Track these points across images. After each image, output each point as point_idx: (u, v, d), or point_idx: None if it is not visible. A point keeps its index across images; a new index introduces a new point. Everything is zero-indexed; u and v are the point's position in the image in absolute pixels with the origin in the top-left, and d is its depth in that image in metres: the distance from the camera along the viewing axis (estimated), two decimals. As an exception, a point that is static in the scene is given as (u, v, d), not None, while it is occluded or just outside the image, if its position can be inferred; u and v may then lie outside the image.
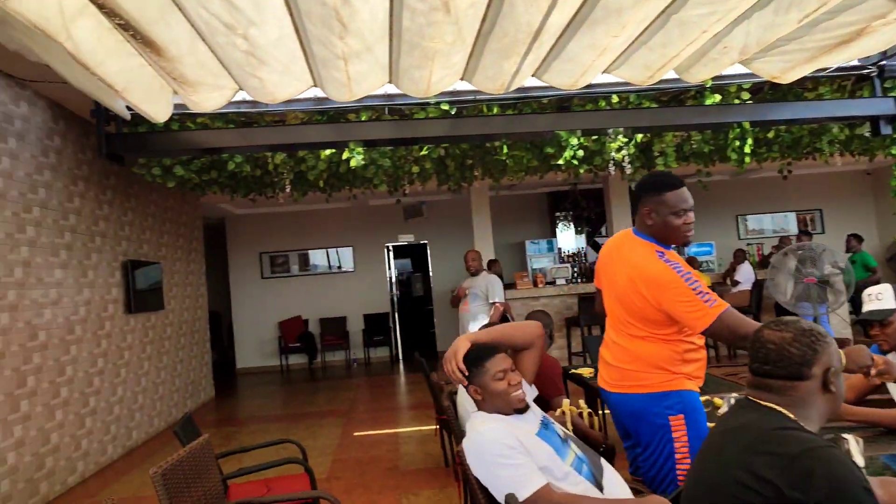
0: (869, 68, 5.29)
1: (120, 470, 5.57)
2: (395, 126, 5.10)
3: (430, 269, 11.77)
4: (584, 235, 11.66)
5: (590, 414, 2.95)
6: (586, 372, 4.41)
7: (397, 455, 5.38)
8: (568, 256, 11.40)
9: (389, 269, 11.73)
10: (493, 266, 8.38)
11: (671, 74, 5.17)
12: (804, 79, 5.32)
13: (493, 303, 6.29)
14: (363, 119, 5.15)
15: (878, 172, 11.62)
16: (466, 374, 2.08)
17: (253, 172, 5.81)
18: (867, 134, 5.70)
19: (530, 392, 2.25)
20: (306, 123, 5.14)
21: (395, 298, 11.84)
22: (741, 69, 5.25)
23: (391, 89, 5.16)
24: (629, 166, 5.45)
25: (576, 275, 10.12)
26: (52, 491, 4.79)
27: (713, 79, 5.25)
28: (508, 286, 8.67)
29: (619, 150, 5.37)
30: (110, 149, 4.77)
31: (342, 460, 5.35)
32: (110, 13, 2.59)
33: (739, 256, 9.27)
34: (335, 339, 11.10)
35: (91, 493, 4.97)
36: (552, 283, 9.42)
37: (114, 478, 5.34)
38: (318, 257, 11.59)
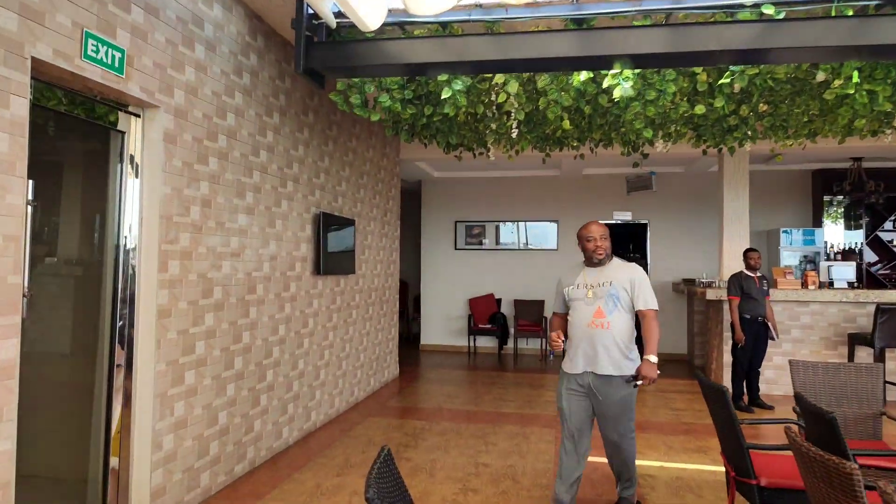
0: None
1: (295, 461, 4.66)
2: (680, 35, 3.44)
3: (649, 253, 9.88)
4: (862, 229, 9.00)
5: None
6: None
7: (644, 508, 3.82)
8: (837, 254, 8.87)
9: (598, 250, 10.04)
10: (749, 257, 6.39)
11: None
12: None
13: (646, 310, 3.43)
14: (638, 25, 3.56)
15: None
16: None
17: (474, 109, 4.49)
18: None
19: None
20: (548, 32, 3.67)
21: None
22: None
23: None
24: None
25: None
26: (215, 483, 3.92)
27: None
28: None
29: None
30: (308, 63, 3.68)
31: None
32: None
33: None
34: (530, 324, 9.71)
35: (258, 491, 4.05)
36: (829, 284, 7.13)
37: (286, 472, 4.41)
38: (517, 231, 10.24)
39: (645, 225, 9.83)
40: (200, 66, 3.74)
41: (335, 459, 4.72)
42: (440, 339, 10.33)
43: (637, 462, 4.70)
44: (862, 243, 9.02)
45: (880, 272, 9.01)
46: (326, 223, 5.49)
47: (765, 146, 6.36)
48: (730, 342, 6.57)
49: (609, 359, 3.34)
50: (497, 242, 10.26)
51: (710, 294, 7.09)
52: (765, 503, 2.79)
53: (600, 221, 3.53)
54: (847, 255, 8.91)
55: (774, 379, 7.02)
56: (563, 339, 3.43)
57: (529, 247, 10.18)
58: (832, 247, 9.06)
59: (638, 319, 3.44)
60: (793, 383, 3.66)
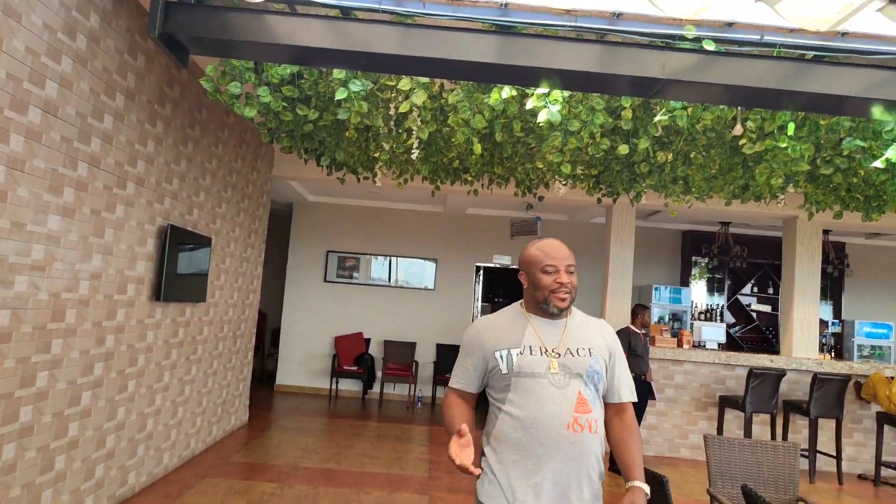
0: None
1: (97, 543, 3.57)
2: (615, 56, 3.05)
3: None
4: (724, 293, 9.35)
5: None
6: None
7: None
8: (701, 314, 9.12)
9: (476, 294, 9.64)
10: (639, 315, 6.22)
11: None
12: None
13: (628, 404, 2.10)
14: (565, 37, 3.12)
15: None
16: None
17: (371, 121, 3.82)
18: None
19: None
20: (468, 31, 3.13)
21: (477, 331, 9.71)
22: None
23: (625, 4, 3.16)
24: None
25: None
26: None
27: None
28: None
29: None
30: (167, 26, 2.84)
31: None
32: None
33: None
34: (400, 368, 9.00)
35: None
36: (700, 345, 7.16)
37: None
38: (393, 267, 9.58)
39: (524, 271, 9.58)
40: (9, 9, 2.76)
41: (155, 539, 3.68)
42: (299, 379, 9.30)
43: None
44: (723, 305, 9.36)
45: (738, 334, 9.38)
46: (176, 239, 4.50)
47: (655, 200, 6.28)
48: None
49: (592, 491, 1.91)
50: (370, 277, 9.52)
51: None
52: None
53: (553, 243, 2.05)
54: (708, 315, 9.19)
55: (647, 438, 6.86)
56: (471, 446, 1.83)
57: (404, 284, 9.55)
58: (696, 306, 9.32)
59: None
60: (707, 461, 3.28)
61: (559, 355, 1.94)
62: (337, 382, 9.16)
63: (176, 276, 4.57)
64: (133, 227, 4.01)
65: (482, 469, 1.96)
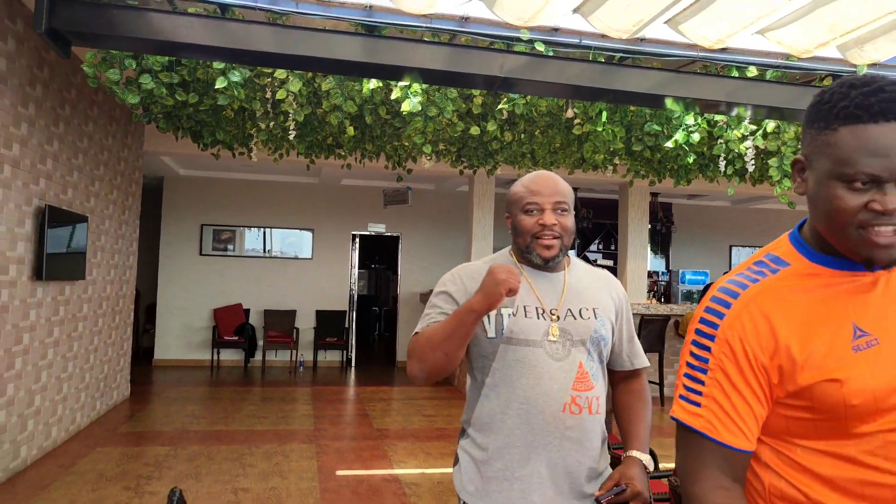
0: None
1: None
2: (462, 56, 3.66)
3: (399, 265, 10.25)
4: (574, 250, 10.51)
5: None
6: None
7: (414, 516, 3.89)
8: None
9: (353, 261, 10.11)
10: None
11: (829, 51, 4.05)
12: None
13: (641, 369, 1.76)
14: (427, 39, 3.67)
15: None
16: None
17: (249, 105, 4.16)
18: None
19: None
20: (337, 33, 3.59)
21: (355, 296, 10.23)
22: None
23: (472, 9, 3.74)
24: (752, 163, 4.24)
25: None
26: None
27: (869, 66, 4.17)
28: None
29: (742, 139, 4.16)
30: (52, 21, 3.04)
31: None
32: None
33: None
34: (281, 335, 9.34)
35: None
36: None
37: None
38: (269, 238, 9.79)
39: (398, 238, 10.18)
40: None
41: (57, 503, 3.92)
42: (179, 353, 9.35)
43: (399, 471, 4.80)
44: (575, 262, 10.53)
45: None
46: (53, 219, 4.59)
47: (510, 171, 7.06)
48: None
49: (588, 475, 1.56)
50: (247, 249, 9.68)
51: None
52: None
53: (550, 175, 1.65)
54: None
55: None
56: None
57: (282, 254, 9.81)
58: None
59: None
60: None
61: (559, 318, 1.56)
62: (218, 353, 9.32)
63: (55, 255, 4.67)
64: (11, 210, 4.09)
65: (459, 460, 1.64)
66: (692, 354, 1.03)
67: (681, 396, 1.03)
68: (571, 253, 1.70)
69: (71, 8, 3.11)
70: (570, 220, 1.57)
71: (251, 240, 9.71)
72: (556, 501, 1.51)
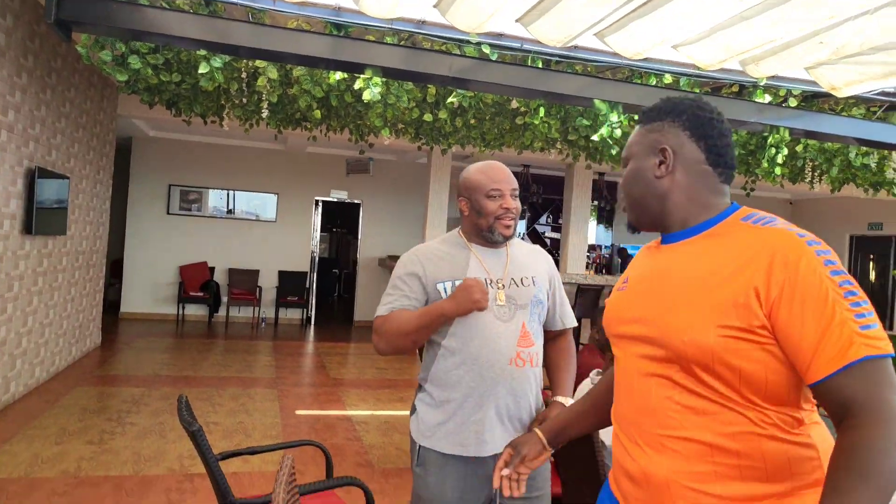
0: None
1: (-1, 434, 4.31)
2: (418, 57, 4.23)
3: (360, 231, 10.82)
4: (524, 222, 11.25)
5: None
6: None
7: (362, 447, 4.59)
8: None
9: (315, 225, 10.63)
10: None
11: (732, 64, 4.74)
12: (829, 97, 5.13)
13: (569, 329, 2.11)
14: (388, 42, 4.22)
15: (799, 203, 12.22)
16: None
17: (227, 86, 4.66)
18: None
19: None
20: (309, 32, 4.12)
21: (317, 258, 10.78)
22: (795, 74, 4.95)
23: (428, 14, 4.29)
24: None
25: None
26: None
27: (768, 79, 4.91)
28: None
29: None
30: (61, 12, 3.50)
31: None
32: None
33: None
34: (244, 293, 9.87)
35: (-36, 466, 3.73)
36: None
37: (-7, 446, 4.09)
38: (234, 199, 10.22)
39: (359, 205, 10.73)
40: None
41: (49, 430, 4.48)
42: (145, 306, 9.80)
43: (351, 412, 5.47)
44: (523, 233, 11.27)
45: (535, 257, 11.40)
46: (41, 178, 5.03)
47: (466, 150, 7.67)
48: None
49: (529, 413, 1.87)
50: (213, 210, 10.10)
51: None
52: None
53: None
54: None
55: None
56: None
57: (247, 216, 10.27)
58: (504, 235, 11.14)
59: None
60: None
61: (504, 287, 1.84)
62: (183, 308, 9.80)
63: (42, 211, 5.12)
64: (7, 170, 4.54)
65: (417, 410, 1.91)
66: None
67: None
68: None
69: (76, 2, 3.56)
70: (519, 204, 1.89)
71: (217, 201, 10.12)
72: (503, 437, 1.78)
